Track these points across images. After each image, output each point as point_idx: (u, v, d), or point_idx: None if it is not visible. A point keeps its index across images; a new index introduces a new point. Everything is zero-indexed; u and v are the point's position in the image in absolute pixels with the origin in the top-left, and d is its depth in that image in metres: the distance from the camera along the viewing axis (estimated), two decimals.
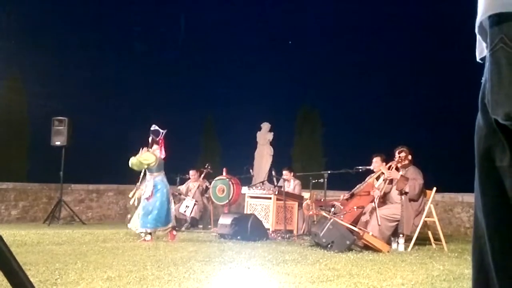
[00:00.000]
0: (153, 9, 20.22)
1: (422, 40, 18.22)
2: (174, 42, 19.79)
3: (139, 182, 7.74)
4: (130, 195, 7.88)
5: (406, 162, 7.28)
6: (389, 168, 7.37)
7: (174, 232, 7.64)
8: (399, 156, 7.29)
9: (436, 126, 16.60)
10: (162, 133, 7.70)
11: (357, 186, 8.27)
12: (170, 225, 7.55)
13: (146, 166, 7.52)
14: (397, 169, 7.31)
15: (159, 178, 7.59)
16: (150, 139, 7.69)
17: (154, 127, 7.67)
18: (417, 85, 17.87)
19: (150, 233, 7.37)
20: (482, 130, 1.11)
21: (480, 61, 1.19)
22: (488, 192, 1.09)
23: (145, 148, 7.62)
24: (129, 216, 8.40)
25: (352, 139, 16.53)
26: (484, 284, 1.11)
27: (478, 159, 1.11)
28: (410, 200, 6.98)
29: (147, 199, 7.45)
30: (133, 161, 7.45)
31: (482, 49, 1.17)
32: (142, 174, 7.69)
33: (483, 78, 1.12)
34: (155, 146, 7.67)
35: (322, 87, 18.48)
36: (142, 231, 7.36)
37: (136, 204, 7.74)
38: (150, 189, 7.47)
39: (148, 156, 7.50)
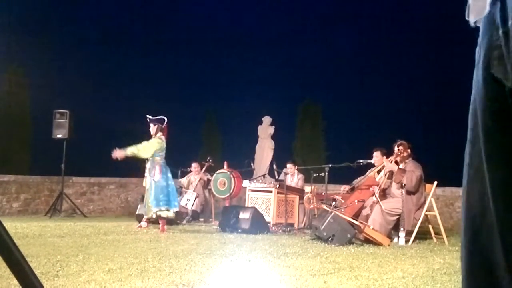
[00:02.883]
0: (155, 2, 20.19)
1: (423, 34, 18.17)
2: (176, 35, 19.75)
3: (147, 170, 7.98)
4: (144, 184, 8.13)
5: (405, 154, 7.28)
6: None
7: (144, 224, 7.92)
8: (398, 149, 7.29)
9: (437, 120, 16.59)
10: (165, 120, 7.99)
11: (358, 179, 8.29)
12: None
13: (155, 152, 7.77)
14: (396, 163, 7.32)
15: (163, 161, 7.90)
16: (154, 127, 7.87)
17: (154, 117, 7.93)
18: (419, 79, 17.85)
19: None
20: (484, 104, 1.00)
21: (474, 26, 1.06)
22: (498, 166, 0.98)
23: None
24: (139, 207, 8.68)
25: (353, 133, 16.53)
26: (481, 255, 1.01)
27: (486, 137, 1.01)
28: (408, 192, 6.99)
29: (157, 181, 7.72)
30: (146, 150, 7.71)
31: (481, 9, 1.02)
32: (147, 162, 7.94)
33: (484, 46, 1.01)
34: (159, 133, 7.88)
35: (324, 81, 18.48)
36: (172, 210, 7.71)
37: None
38: (158, 171, 7.74)
39: (157, 143, 7.79)
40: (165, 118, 8.02)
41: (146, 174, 7.94)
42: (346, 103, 17.70)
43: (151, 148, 7.74)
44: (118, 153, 7.56)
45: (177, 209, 7.94)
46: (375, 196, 7.25)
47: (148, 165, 7.89)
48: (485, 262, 1.00)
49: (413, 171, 7.04)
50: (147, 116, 7.97)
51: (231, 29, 19.89)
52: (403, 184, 7.01)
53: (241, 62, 19.19)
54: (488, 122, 0.99)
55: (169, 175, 7.95)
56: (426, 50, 17.97)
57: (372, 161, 8.04)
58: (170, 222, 8.72)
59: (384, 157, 7.73)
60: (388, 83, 17.81)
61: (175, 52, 19.26)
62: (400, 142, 7.37)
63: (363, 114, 17.82)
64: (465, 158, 1.07)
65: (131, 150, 7.63)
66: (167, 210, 7.68)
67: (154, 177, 7.73)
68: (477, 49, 1.04)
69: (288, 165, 9.57)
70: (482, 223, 1.01)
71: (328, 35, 19.44)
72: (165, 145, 7.89)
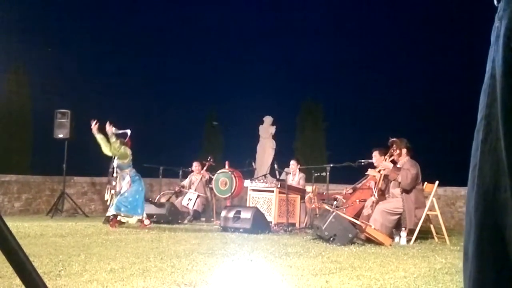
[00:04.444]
0: (154, 1, 20.19)
1: (424, 34, 18.16)
2: (176, 35, 19.75)
3: (111, 182, 8.26)
4: (106, 197, 8.37)
5: (398, 152, 7.25)
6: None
7: (146, 222, 8.02)
8: (391, 148, 7.28)
9: (439, 120, 16.58)
10: (128, 134, 8.13)
11: (359, 181, 8.30)
12: (142, 216, 8.02)
13: (117, 156, 8.03)
14: (393, 161, 7.30)
15: (133, 172, 8.15)
16: (116, 139, 8.02)
17: (116, 130, 8.03)
18: (419, 79, 17.85)
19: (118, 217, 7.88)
20: (504, 81, 0.98)
21: (496, 3, 1.04)
22: None
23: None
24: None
25: (355, 132, 16.51)
26: (492, 231, 0.98)
27: (505, 114, 0.99)
28: (403, 190, 6.98)
29: (127, 190, 7.95)
30: (113, 148, 7.91)
31: None
32: (112, 172, 8.22)
33: (506, 21, 0.98)
34: (124, 146, 8.07)
35: (325, 81, 18.46)
36: (112, 213, 7.85)
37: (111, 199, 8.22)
38: (127, 182, 7.95)
39: (126, 153, 8.03)
40: (128, 133, 8.13)
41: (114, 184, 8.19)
42: (347, 103, 17.70)
43: (122, 155, 7.99)
44: (95, 128, 8.02)
45: (140, 217, 7.97)
46: (374, 196, 7.24)
47: (118, 176, 8.12)
48: (497, 239, 0.99)
49: (408, 169, 7.04)
50: (113, 128, 8.08)
51: (232, 28, 19.89)
52: (399, 182, 7.02)
53: (242, 62, 19.20)
54: (507, 99, 0.98)
55: (142, 184, 8.18)
56: (428, 50, 17.96)
57: (373, 161, 8.04)
58: (170, 221, 8.82)
59: (382, 156, 7.75)
60: (390, 83, 17.80)
61: (176, 51, 19.28)
62: (392, 140, 7.34)
63: (364, 114, 17.83)
64: (477, 135, 1.06)
65: (102, 139, 7.98)
66: (128, 216, 7.90)
67: (122, 189, 7.94)
68: (496, 24, 1.03)
69: (292, 162, 9.54)
70: (494, 199, 1.00)
71: (329, 34, 19.43)
72: (129, 155, 8.10)
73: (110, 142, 7.90)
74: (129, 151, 8.09)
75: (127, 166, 8.08)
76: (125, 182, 7.97)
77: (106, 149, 8.00)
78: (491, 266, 1.00)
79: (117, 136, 7.99)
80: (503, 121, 0.99)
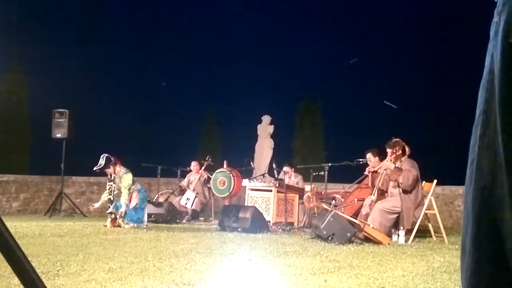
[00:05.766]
0: (154, 2, 20.18)
1: (422, 33, 18.18)
2: (175, 35, 19.73)
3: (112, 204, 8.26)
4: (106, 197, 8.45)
5: (400, 153, 7.25)
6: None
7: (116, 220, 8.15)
8: (394, 149, 7.25)
9: (437, 119, 16.59)
10: (109, 156, 8.26)
11: (358, 180, 8.30)
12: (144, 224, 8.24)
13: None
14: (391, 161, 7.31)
15: (138, 186, 8.38)
16: (110, 169, 8.21)
17: (99, 166, 8.21)
18: (417, 78, 17.85)
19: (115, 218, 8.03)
20: (502, 75, 0.98)
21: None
22: None
23: (112, 175, 8.29)
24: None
25: (353, 132, 16.51)
26: (489, 226, 0.99)
27: (503, 108, 0.98)
28: (404, 191, 6.98)
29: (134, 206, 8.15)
30: (125, 190, 8.13)
31: None
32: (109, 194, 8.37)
33: (506, 15, 0.99)
34: (118, 168, 8.24)
35: (323, 80, 18.45)
36: (111, 211, 8.02)
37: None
38: (135, 200, 8.14)
39: (129, 179, 8.17)
40: (108, 155, 8.23)
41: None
42: (346, 102, 17.70)
43: (129, 185, 8.13)
44: (93, 207, 8.64)
45: (134, 225, 8.04)
46: (373, 194, 7.25)
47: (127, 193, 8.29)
48: (494, 234, 0.99)
49: (409, 170, 7.03)
50: (94, 169, 8.27)
51: (230, 27, 19.87)
52: (399, 183, 7.01)
53: (241, 61, 19.17)
54: (505, 94, 0.98)
55: (146, 197, 8.44)
56: (426, 49, 17.98)
57: (368, 161, 8.04)
58: (168, 221, 8.84)
59: (377, 157, 7.76)
60: (387, 82, 17.81)
61: (174, 51, 19.25)
62: (395, 140, 7.33)
63: (363, 113, 17.82)
64: (476, 130, 1.06)
65: (106, 197, 8.32)
66: (124, 222, 8.02)
67: (131, 204, 8.09)
68: (495, 19, 1.03)
69: (285, 168, 9.37)
70: (492, 194, 1.00)
71: (328, 34, 19.43)
72: (132, 175, 8.24)
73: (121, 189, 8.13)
74: (127, 173, 8.19)
75: (132, 186, 8.22)
76: (133, 200, 8.14)
77: (118, 192, 8.21)
78: (488, 261, 1.00)
79: (107, 165, 8.14)
80: (501, 115, 0.98)
